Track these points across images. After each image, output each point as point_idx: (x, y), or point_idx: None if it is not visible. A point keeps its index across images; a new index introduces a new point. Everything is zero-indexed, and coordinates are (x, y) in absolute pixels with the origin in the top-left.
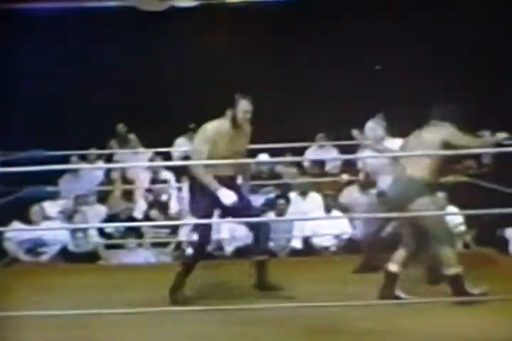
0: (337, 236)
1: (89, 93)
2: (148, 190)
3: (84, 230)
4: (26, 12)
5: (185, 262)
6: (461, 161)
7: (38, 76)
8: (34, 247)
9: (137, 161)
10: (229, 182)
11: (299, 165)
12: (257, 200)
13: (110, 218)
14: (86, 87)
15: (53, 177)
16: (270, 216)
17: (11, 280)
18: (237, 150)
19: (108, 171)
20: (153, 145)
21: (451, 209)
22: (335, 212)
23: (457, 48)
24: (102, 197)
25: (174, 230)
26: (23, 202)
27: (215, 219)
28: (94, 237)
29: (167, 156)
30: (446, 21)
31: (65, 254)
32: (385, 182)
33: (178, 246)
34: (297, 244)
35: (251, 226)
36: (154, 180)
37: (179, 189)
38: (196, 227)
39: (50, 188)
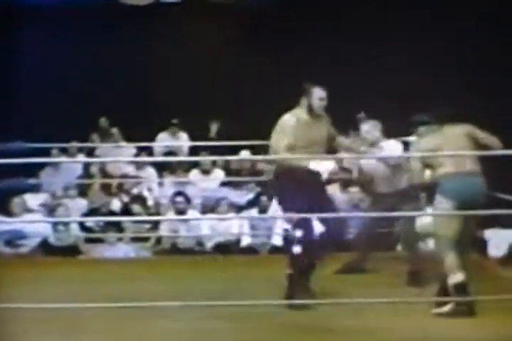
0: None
1: (72, 86)
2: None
3: (66, 223)
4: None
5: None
6: None
7: (19, 68)
8: (14, 239)
9: (119, 155)
10: (309, 175)
11: None
12: (241, 197)
13: (91, 212)
14: (68, 80)
15: (34, 170)
16: (253, 213)
17: None
18: (316, 140)
19: (87, 165)
20: (136, 139)
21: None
22: None
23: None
24: (83, 191)
25: (154, 225)
26: (3, 194)
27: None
28: (75, 231)
29: (149, 151)
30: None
31: (45, 247)
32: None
33: (159, 241)
34: (278, 241)
35: (323, 221)
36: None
37: (160, 184)
38: (298, 225)
39: (31, 181)
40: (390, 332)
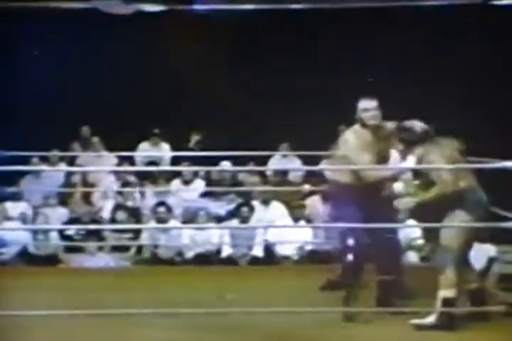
0: (300, 247)
1: (53, 94)
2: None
3: (45, 232)
4: None
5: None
6: None
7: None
8: None
9: (100, 165)
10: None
11: (261, 174)
12: (221, 208)
13: (71, 221)
14: (49, 88)
15: (14, 178)
16: (233, 223)
17: None
18: (381, 154)
19: (69, 174)
20: (117, 149)
21: (411, 222)
22: (301, 223)
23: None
24: (64, 200)
25: (135, 235)
26: None
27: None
28: (55, 240)
29: (131, 161)
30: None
31: (24, 256)
32: None
33: (139, 250)
34: (258, 252)
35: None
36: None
37: (142, 194)
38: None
39: (11, 189)
40: None
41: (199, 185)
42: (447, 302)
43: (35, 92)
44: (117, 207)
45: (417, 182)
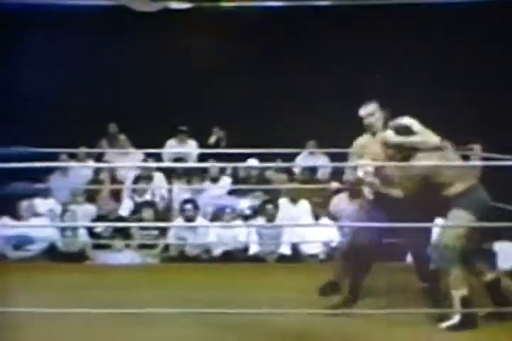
0: (325, 244)
1: (80, 92)
2: (134, 190)
3: (73, 229)
4: (12, 8)
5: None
6: None
7: (28, 74)
8: (20, 244)
9: (127, 161)
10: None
11: (289, 171)
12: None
13: (99, 218)
14: (78, 86)
15: (42, 175)
16: (260, 221)
17: None
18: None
19: (97, 171)
20: (144, 146)
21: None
22: (324, 220)
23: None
24: (91, 197)
25: (162, 232)
26: (11, 198)
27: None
28: (83, 237)
29: (158, 157)
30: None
31: (52, 253)
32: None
33: (166, 248)
34: (286, 250)
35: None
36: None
37: (169, 190)
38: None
39: (39, 186)
40: None
41: (226, 183)
42: (465, 300)
43: (63, 90)
44: (143, 205)
45: None
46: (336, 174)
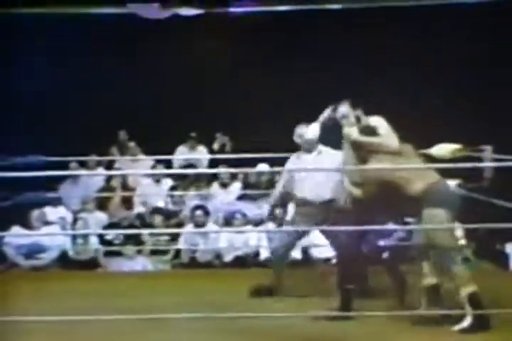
0: None
1: (90, 99)
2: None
3: (85, 237)
4: (27, 17)
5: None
6: None
7: (38, 81)
8: (32, 252)
9: (137, 168)
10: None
11: None
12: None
13: (110, 225)
14: (87, 94)
15: (53, 183)
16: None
17: (7, 286)
18: (347, 161)
19: (109, 178)
20: (154, 152)
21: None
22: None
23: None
24: (102, 204)
25: (174, 238)
26: (22, 207)
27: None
28: (94, 244)
29: (168, 164)
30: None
31: (64, 260)
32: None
33: (177, 254)
34: (297, 254)
35: None
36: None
37: (180, 197)
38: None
39: (50, 194)
40: None
41: (236, 188)
42: (472, 298)
43: (72, 98)
44: (154, 211)
45: None
46: None
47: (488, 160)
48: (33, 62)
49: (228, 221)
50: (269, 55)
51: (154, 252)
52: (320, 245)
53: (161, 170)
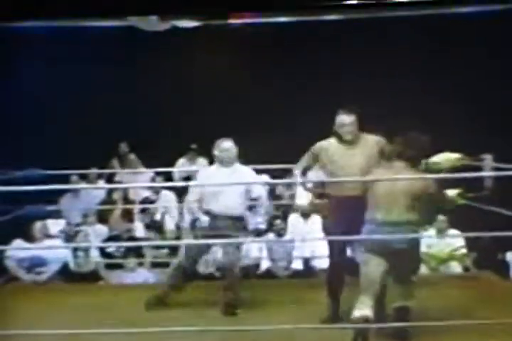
0: None
1: (90, 111)
2: (143, 211)
3: (86, 250)
4: (25, 31)
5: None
6: None
7: (37, 95)
8: (33, 266)
9: (138, 181)
10: (351, 204)
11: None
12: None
13: (111, 238)
14: (87, 106)
15: (53, 197)
16: (270, 237)
17: (8, 299)
18: (352, 168)
19: (110, 191)
20: (154, 165)
21: (453, 231)
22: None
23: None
24: (103, 217)
25: (173, 250)
26: (23, 221)
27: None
28: (96, 257)
29: (168, 176)
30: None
31: (65, 274)
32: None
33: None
34: (298, 265)
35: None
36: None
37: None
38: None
39: (51, 207)
40: None
41: None
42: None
43: (72, 110)
44: (149, 225)
45: None
46: None
47: (489, 169)
48: (32, 74)
49: None
50: (268, 67)
51: (156, 264)
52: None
53: (161, 182)
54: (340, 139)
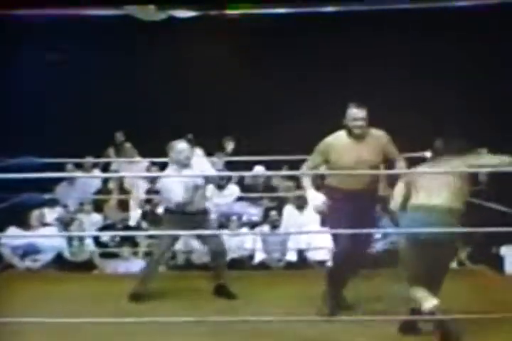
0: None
1: (86, 101)
2: (148, 201)
3: (80, 239)
4: (23, 19)
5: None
6: None
7: (33, 83)
8: (28, 253)
9: (133, 170)
10: (355, 197)
11: (295, 178)
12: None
13: (106, 227)
14: (83, 95)
15: (48, 185)
16: (265, 229)
17: (1, 287)
18: (362, 162)
19: (106, 180)
20: (150, 155)
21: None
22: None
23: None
24: (98, 206)
25: None
26: (19, 209)
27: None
28: (90, 246)
29: (163, 166)
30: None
31: (59, 262)
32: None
33: (173, 256)
34: (292, 257)
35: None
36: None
37: None
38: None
39: (46, 195)
40: None
41: (233, 191)
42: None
43: (68, 99)
44: (145, 215)
45: None
46: None
47: None
48: (28, 63)
49: (224, 223)
50: (265, 57)
51: (150, 254)
52: (316, 248)
53: (156, 172)
54: (350, 133)
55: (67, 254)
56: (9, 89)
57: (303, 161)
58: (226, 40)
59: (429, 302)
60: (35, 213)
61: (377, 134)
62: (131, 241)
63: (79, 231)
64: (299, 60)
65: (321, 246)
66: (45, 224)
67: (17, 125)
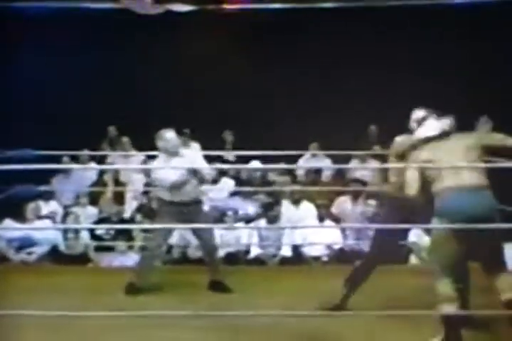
0: (329, 247)
1: (82, 94)
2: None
3: (76, 232)
4: (19, 11)
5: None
6: None
7: (30, 76)
8: (23, 246)
9: (129, 164)
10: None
11: (291, 173)
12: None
13: (101, 220)
14: (79, 88)
15: (44, 178)
16: (262, 223)
17: None
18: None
19: (101, 173)
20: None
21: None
22: (327, 222)
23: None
24: (94, 199)
25: None
26: (14, 201)
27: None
28: (85, 239)
29: None
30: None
31: (55, 255)
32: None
33: (169, 250)
34: (287, 252)
35: None
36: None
37: None
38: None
39: (42, 188)
40: None
41: (228, 185)
42: (447, 319)
43: (64, 93)
44: (140, 208)
45: None
46: (338, 176)
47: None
48: (23, 58)
49: (220, 218)
50: (263, 52)
51: (145, 248)
52: (311, 243)
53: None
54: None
55: (62, 247)
56: (6, 83)
57: (299, 157)
58: (223, 35)
59: (450, 307)
60: (31, 206)
61: None
62: (127, 235)
63: (74, 224)
64: (298, 55)
65: (316, 241)
66: (40, 217)
67: (13, 117)
